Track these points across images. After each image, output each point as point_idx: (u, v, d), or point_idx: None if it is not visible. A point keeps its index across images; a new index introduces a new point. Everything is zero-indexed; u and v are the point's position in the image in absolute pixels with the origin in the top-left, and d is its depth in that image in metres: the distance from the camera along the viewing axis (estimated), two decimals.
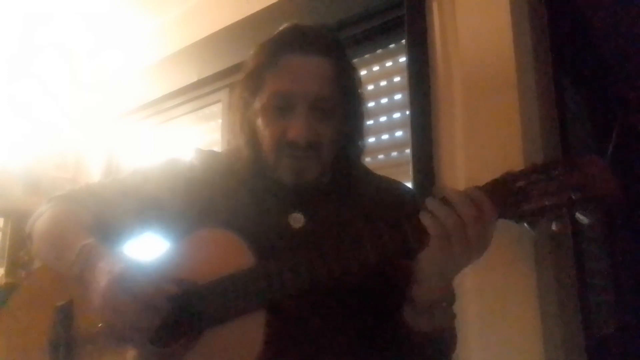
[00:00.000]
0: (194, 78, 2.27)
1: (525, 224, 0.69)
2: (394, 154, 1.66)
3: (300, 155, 0.85)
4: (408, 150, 1.53)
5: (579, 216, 0.67)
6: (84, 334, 0.85)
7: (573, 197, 0.66)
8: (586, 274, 1.61)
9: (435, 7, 1.54)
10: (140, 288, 0.73)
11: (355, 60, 1.76)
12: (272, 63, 0.86)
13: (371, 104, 1.73)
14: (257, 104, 0.88)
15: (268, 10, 1.99)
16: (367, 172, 1.01)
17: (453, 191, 0.69)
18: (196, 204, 0.90)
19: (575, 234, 1.37)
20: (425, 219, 0.69)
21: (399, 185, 1.01)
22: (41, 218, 0.95)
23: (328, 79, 0.86)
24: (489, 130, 1.33)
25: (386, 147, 1.68)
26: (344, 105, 0.89)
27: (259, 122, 0.88)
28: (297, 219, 0.87)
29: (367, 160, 1.70)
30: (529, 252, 1.21)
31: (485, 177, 1.31)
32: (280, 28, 0.91)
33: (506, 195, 0.69)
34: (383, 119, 1.71)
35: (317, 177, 0.88)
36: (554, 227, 0.69)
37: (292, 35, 0.88)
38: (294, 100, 0.84)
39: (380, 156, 1.69)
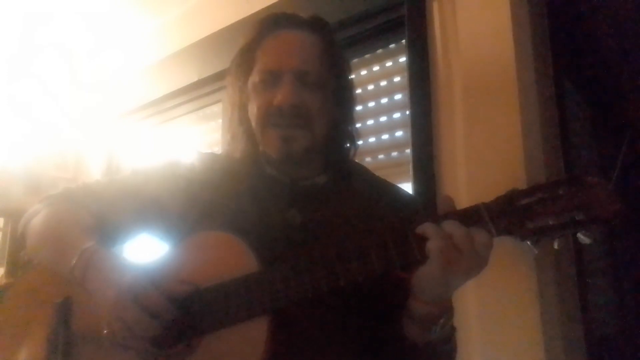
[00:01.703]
0: (194, 78, 2.27)
1: (528, 242, 0.69)
2: (394, 154, 1.66)
3: (287, 124, 0.85)
4: (408, 150, 1.53)
5: (581, 236, 0.67)
6: (83, 332, 0.84)
7: (577, 218, 0.66)
8: (586, 274, 1.61)
9: (435, 7, 1.54)
10: (149, 300, 0.73)
11: (355, 60, 1.78)
12: (260, 39, 0.89)
13: (371, 104, 1.73)
14: (249, 86, 0.90)
15: (268, 10, 1.98)
16: (365, 172, 1.01)
17: (451, 225, 0.69)
18: (197, 204, 0.90)
19: (576, 246, 1.37)
20: (427, 243, 0.69)
21: (398, 189, 1.01)
22: (37, 217, 0.94)
23: (313, 52, 0.88)
24: (489, 130, 1.33)
25: (386, 147, 1.68)
26: (331, 80, 0.90)
27: (250, 104, 0.90)
28: (294, 217, 0.87)
29: (367, 160, 1.70)
30: (530, 254, 1.21)
31: (485, 177, 1.31)
32: None
33: (510, 213, 0.69)
34: (383, 119, 1.70)
35: (306, 150, 0.88)
36: (555, 245, 0.69)
37: (280, 15, 0.91)
38: (280, 69, 0.86)
39: (380, 156, 1.69)
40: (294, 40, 0.88)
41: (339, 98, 0.93)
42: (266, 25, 0.91)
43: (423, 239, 0.70)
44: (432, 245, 0.68)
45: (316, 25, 0.91)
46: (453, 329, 0.80)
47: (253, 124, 0.90)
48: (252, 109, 0.90)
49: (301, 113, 0.85)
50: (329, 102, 0.90)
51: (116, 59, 2.76)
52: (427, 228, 0.70)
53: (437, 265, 0.68)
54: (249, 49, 0.91)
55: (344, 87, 0.94)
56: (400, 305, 0.78)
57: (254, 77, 0.89)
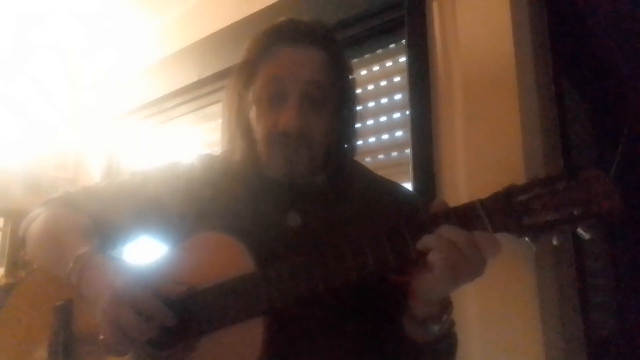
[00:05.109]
0: (194, 78, 2.27)
1: (526, 239, 0.68)
2: (394, 154, 1.66)
3: (292, 146, 0.85)
4: (408, 150, 1.53)
5: (580, 232, 0.66)
6: (83, 334, 0.84)
7: (575, 213, 0.65)
8: (586, 274, 1.61)
9: (435, 7, 1.54)
10: (142, 302, 0.73)
11: (355, 60, 1.78)
12: (265, 54, 0.88)
13: (371, 104, 1.73)
14: (251, 96, 0.89)
15: (268, 10, 1.99)
16: (365, 171, 1.01)
17: (452, 231, 0.67)
18: (196, 205, 0.90)
19: (576, 245, 1.37)
20: (430, 254, 0.68)
21: (398, 187, 1.00)
22: (36, 221, 0.94)
23: (320, 67, 0.87)
24: (489, 130, 1.33)
25: (386, 147, 1.68)
26: (336, 96, 0.89)
27: (253, 114, 0.89)
28: (294, 218, 0.87)
29: (367, 160, 1.70)
30: (529, 253, 1.21)
31: (485, 177, 1.31)
32: (275, 22, 0.93)
33: (507, 209, 0.68)
34: (383, 119, 1.71)
35: (309, 170, 0.88)
36: (554, 241, 0.68)
37: (285, 28, 0.89)
38: (286, 87, 0.85)
39: (380, 156, 1.69)
40: (301, 55, 0.86)
41: (342, 114, 0.92)
42: (270, 39, 0.89)
43: (419, 237, 0.69)
44: (436, 257, 0.67)
45: (322, 39, 0.89)
46: (452, 324, 0.80)
47: (257, 137, 0.89)
48: (257, 124, 0.88)
49: (306, 136, 0.85)
50: (332, 119, 0.89)
51: (116, 59, 2.76)
52: (428, 240, 0.68)
53: (442, 274, 0.67)
54: (251, 62, 0.89)
55: (348, 102, 0.93)
56: (399, 305, 0.78)
57: (259, 89, 0.87)
